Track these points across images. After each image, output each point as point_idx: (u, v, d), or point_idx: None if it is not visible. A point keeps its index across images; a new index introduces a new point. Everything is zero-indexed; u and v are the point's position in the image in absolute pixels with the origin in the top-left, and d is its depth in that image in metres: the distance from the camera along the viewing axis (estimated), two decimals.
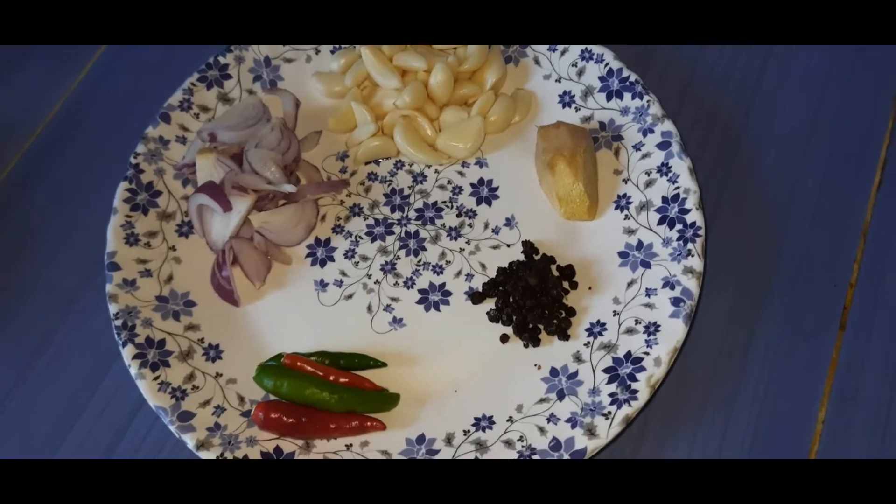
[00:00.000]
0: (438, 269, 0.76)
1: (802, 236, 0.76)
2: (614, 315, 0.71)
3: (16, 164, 0.86)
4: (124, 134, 0.86)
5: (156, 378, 0.69)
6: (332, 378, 0.69)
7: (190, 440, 0.67)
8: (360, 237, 0.78)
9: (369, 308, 0.75)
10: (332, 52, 0.85)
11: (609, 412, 0.66)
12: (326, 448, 0.68)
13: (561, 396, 0.68)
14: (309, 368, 0.69)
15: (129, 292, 0.73)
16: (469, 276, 0.75)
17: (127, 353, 0.70)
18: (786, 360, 0.71)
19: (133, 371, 0.69)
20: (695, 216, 0.72)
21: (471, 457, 0.66)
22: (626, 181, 0.77)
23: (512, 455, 0.66)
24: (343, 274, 0.76)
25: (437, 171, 0.81)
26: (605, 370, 0.68)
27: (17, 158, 0.86)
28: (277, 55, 0.85)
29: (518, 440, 0.66)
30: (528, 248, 0.75)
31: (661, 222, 0.73)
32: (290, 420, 0.67)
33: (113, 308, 0.72)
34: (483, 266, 0.76)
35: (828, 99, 0.82)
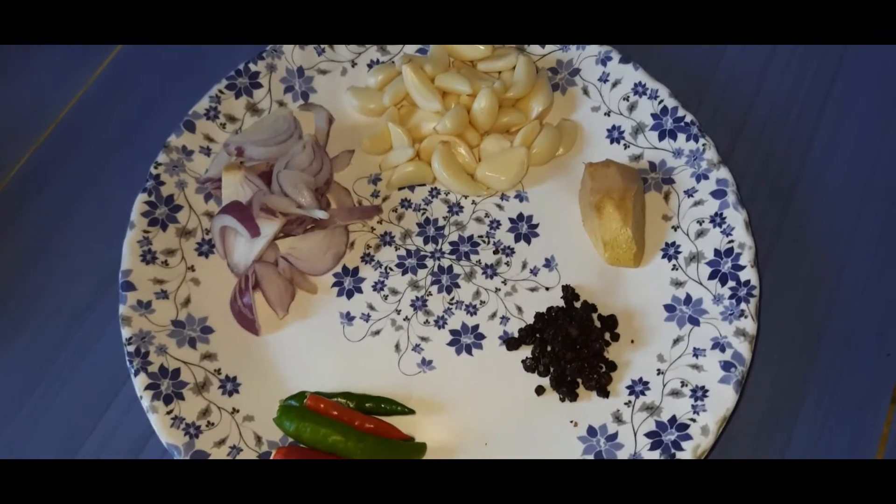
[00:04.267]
0: (472, 310, 0.72)
1: (855, 299, 0.72)
2: (658, 374, 0.67)
3: (24, 165, 0.81)
4: (140, 137, 0.81)
5: (169, 412, 0.65)
6: (356, 423, 0.65)
7: None
8: (391, 269, 0.74)
9: (397, 347, 0.70)
10: (370, 66, 0.81)
11: None
12: None
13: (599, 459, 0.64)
14: (333, 413, 0.65)
15: (143, 315, 0.69)
16: (504, 319, 0.71)
17: (139, 382, 0.66)
18: (833, 432, 0.68)
19: (145, 403, 0.65)
20: (749, 274, 0.68)
21: None
22: (675, 228, 0.73)
23: None
24: (371, 307, 0.72)
25: (474, 203, 0.76)
26: (648, 434, 0.65)
27: (26, 159, 0.81)
28: (311, 65, 0.80)
29: None
30: (569, 294, 0.71)
31: (712, 276, 0.69)
32: None
33: (126, 332, 0.67)
34: (519, 309, 0.71)
35: (887, 147, 0.78)
